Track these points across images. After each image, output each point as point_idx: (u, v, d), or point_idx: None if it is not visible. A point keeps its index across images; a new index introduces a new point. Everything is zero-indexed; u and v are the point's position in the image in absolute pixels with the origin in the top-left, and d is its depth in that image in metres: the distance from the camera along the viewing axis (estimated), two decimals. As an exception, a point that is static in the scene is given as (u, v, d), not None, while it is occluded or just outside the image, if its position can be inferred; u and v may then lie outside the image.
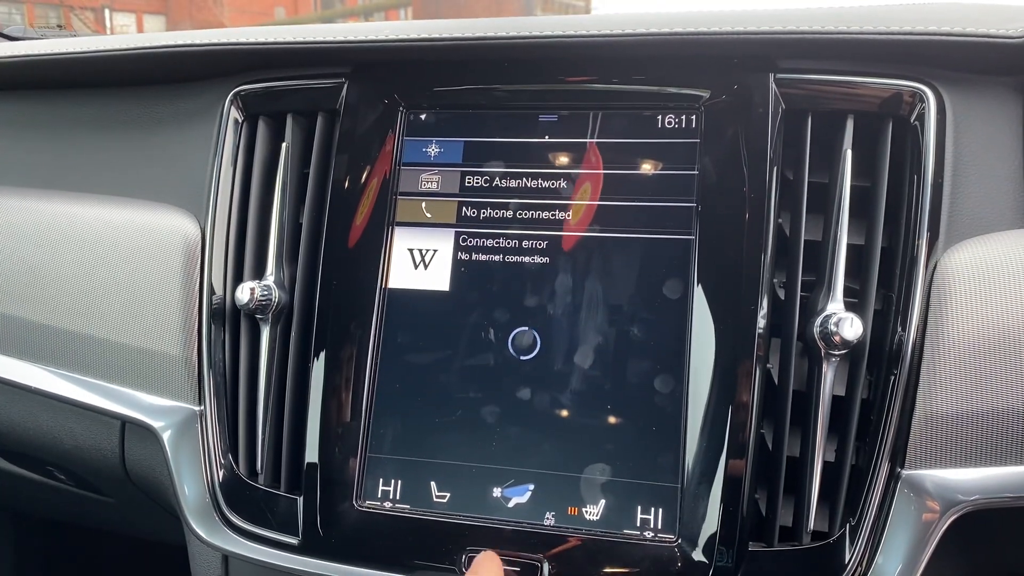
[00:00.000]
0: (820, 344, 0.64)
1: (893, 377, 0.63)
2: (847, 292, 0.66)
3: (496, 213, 0.71)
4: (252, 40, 0.78)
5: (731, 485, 0.63)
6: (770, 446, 0.67)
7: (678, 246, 0.67)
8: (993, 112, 0.69)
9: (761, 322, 0.65)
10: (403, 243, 0.72)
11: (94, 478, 0.95)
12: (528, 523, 0.66)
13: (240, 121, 0.81)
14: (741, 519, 0.63)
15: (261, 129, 0.80)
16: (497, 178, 0.72)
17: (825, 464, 0.65)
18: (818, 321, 0.64)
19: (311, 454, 0.70)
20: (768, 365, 0.67)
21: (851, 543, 0.63)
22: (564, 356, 0.68)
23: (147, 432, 0.77)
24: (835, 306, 0.65)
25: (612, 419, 0.66)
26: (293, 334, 0.75)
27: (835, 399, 0.65)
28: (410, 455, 0.69)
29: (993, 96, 0.69)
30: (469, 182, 0.72)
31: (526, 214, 0.71)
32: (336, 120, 0.76)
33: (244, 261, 0.78)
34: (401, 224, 0.73)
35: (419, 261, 0.72)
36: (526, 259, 0.70)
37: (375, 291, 0.71)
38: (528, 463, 0.67)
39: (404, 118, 0.75)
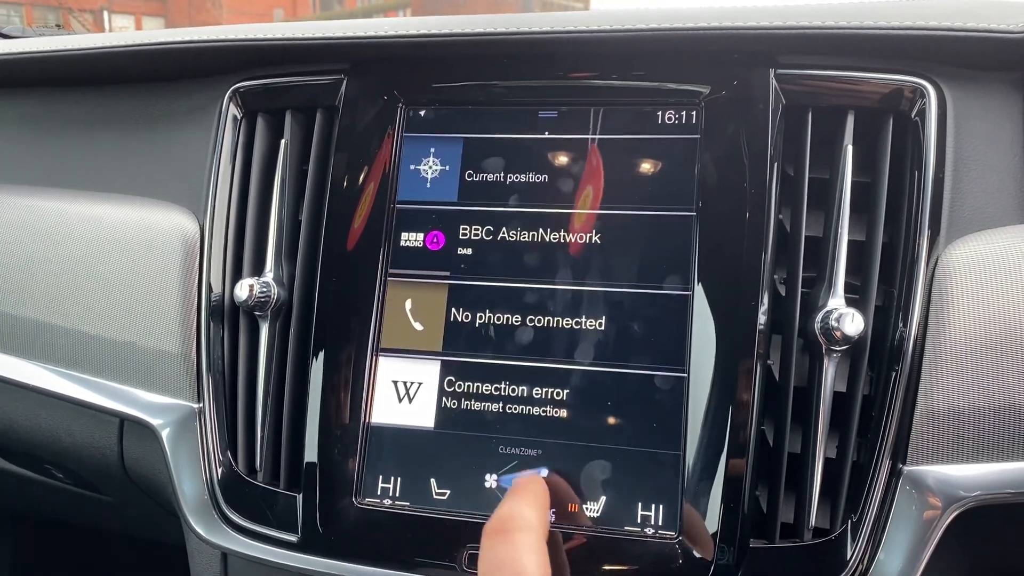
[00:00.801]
0: (821, 340, 0.64)
1: (894, 373, 0.63)
2: (848, 288, 0.65)
3: (496, 209, 0.71)
4: (251, 36, 0.78)
5: (732, 482, 0.63)
6: (771, 442, 0.66)
7: (678, 242, 0.67)
8: (994, 108, 0.68)
9: (762, 318, 0.65)
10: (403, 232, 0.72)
11: (93, 476, 0.95)
12: (528, 520, 0.66)
13: (239, 118, 0.80)
14: (742, 516, 0.63)
15: (260, 126, 0.80)
16: (496, 174, 0.72)
17: (826, 460, 0.65)
18: (819, 317, 0.64)
19: (310, 451, 0.70)
20: (769, 361, 0.67)
21: (852, 540, 0.63)
22: (564, 353, 0.68)
23: (146, 430, 0.77)
24: (836, 302, 0.64)
25: (612, 416, 0.66)
26: (292, 331, 0.75)
27: (836, 395, 0.65)
28: (410, 452, 0.69)
29: (994, 92, 0.69)
30: (468, 177, 0.72)
31: (526, 207, 0.71)
32: (335, 116, 0.76)
33: (243, 258, 0.78)
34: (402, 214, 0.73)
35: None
36: (525, 252, 0.70)
37: (375, 287, 0.71)
38: (528, 460, 0.67)
39: (403, 114, 0.74)
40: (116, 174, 0.90)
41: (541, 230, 0.70)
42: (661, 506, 0.64)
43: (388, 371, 0.70)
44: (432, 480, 0.68)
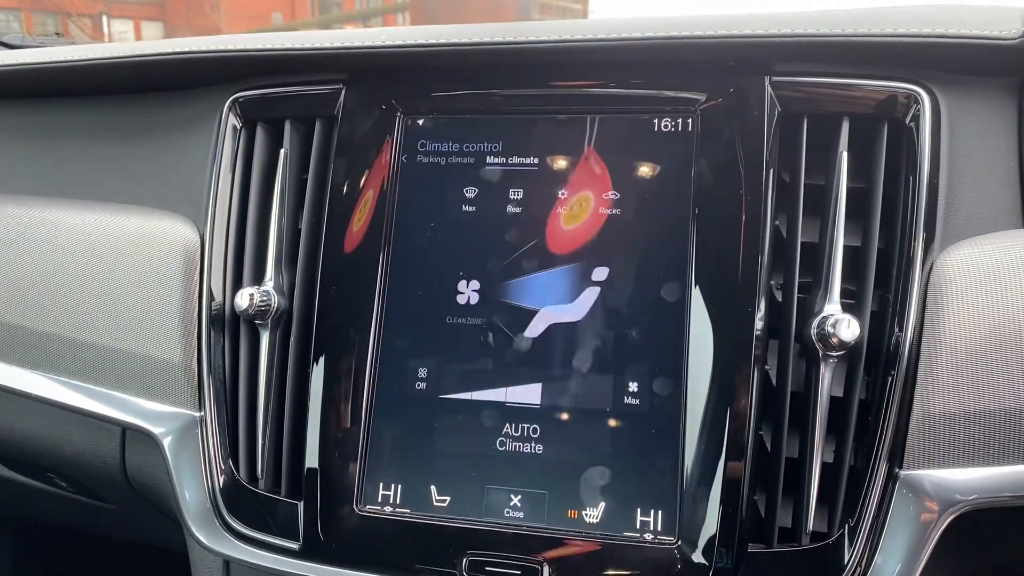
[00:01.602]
0: (818, 346, 0.64)
1: (890, 378, 0.64)
2: (844, 293, 0.66)
3: (495, 217, 0.72)
4: (250, 47, 0.79)
5: (730, 487, 0.63)
6: (769, 447, 0.67)
7: (676, 249, 0.68)
8: (988, 113, 0.69)
9: (759, 324, 0.65)
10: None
11: (95, 484, 0.95)
12: (528, 526, 0.66)
13: (238, 127, 0.81)
14: (740, 520, 0.63)
15: (259, 135, 0.80)
16: (494, 181, 0.72)
17: (824, 465, 0.65)
18: (815, 323, 0.65)
19: (311, 459, 0.70)
20: (766, 367, 0.67)
21: (850, 543, 0.63)
22: (563, 360, 0.68)
23: (147, 438, 0.77)
24: (832, 308, 0.65)
25: (611, 422, 0.67)
26: (292, 339, 0.75)
27: (833, 400, 0.65)
28: (410, 459, 0.69)
29: (988, 97, 0.69)
30: (466, 185, 0.73)
31: (523, 212, 0.71)
32: (334, 126, 0.77)
33: (243, 267, 0.78)
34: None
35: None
36: (524, 263, 0.70)
37: (374, 296, 0.71)
38: (528, 467, 0.67)
39: (402, 123, 0.75)
40: (117, 183, 0.90)
41: (537, 235, 0.71)
42: (660, 511, 0.65)
43: (389, 373, 0.71)
44: (432, 487, 0.68)
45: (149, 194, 0.87)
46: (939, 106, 0.67)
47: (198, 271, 0.78)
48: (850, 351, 0.65)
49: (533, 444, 0.68)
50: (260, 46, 0.78)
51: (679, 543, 0.64)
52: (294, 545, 0.71)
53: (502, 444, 0.68)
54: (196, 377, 0.76)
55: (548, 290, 0.70)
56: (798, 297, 0.67)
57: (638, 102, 0.71)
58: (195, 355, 0.77)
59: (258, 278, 0.78)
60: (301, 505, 0.71)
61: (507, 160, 0.73)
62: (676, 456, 0.65)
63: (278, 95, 0.80)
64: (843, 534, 0.64)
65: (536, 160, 0.72)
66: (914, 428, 0.63)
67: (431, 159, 0.74)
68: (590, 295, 0.69)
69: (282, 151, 0.78)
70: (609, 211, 0.70)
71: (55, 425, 0.87)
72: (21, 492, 1.08)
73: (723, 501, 0.63)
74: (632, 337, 0.68)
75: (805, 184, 0.68)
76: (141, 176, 0.89)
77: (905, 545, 0.62)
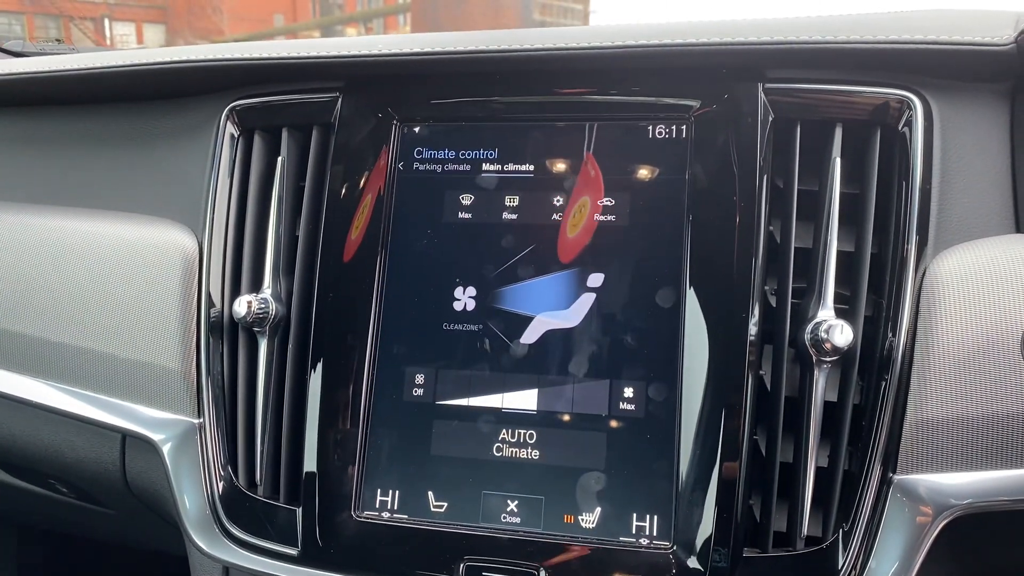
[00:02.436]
0: (811, 351, 0.65)
1: (884, 383, 0.64)
2: (837, 298, 0.66)
3: (491, 224, 0.72)
4: (247, 56, 0.79)
5: (725, 491, 0.64)
6: (763, 452, 0.67)
7: (670, 255, 0.68)
8: (980, 118, 0.69)
9: (753, 329, 0.65)
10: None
11: (95, 490, 0.96)
12: (524, 531, 0.67)
13: (236, 136, 0.82)
14: (735, 525, 0.64)
15: (257, 143, 0.81)
16: (490, 188, 0.73)
17: (818, 469, 0.65)
18: (809, 328, 0.65)
19: (309, 465, 0.71)
20: (760, 372, 0.67)
21: (844, 548, 0.64)
22: (559, 366, 0.69)
23: (147, 445, 0.78)
24: (826, 313, 0.65)
25: (607, 427, 0.67)
26: (291, 346, 0.76)
27: (827, 405, 0.66)
28: (407, 465, 0.69)
29: (980, 103, 0.69)
30: (463, 192, 0.73)
31: (520, 219, 0.72)
32: (331, 134, 0.77)
33: (241, 274, 0.79)
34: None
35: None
36: (520, 270, 0.71)
37: (371, 303, 0.72)
38: (525, 472, 0.68)
39: (398, 131, 0.75)
40: (115, 191, 0.91)
41: (535, 242, 0.71)
42: (656, 516, 0.65)
43: (387, 379, 0.71)
44: (429, 492, 0.69)
45: (148, 201, 0.88)
46: (931, 112, 0.68)
47: (196, 279, 0.79)
48: (844, 356, 0.65)
49: (529, 450, 0.68)
50: (257, 55, 0.79)
51: (675, 548, 0.64)
52: (293, 551, 0.71)
53: (499, 450, 0.68)
54: (195, 384, 0.77)
55: (544, 296, 0.70)
56: (792, 302, 0.67)
57: (633, 109, 0.72)
58: (194, 362, 0.77)
59: (256, 286, 0.78)
60: (299, 511, 0.71)
61: (503, 167, 0.73)
62: (671, 461, 0.65)
63: (275, 103, 0.81)
64: (837, 538, 0.64)
65: (531, 167, 0.73)
66: (907, 433, 0.63)
67: (427, 166, 0.74)
68: (585, 301, 0.69)
69: (279, 159, 0.79)
70: (604, 218, 0.70)
71: (56, 432, 0.87)
72: (23, 497, 1.09)
73: (718, 506, 0.64)
74: (627, 343, 0.68)
75: (799, 190, 0.68)
76: (139, 183, 0.90)
77: (899, 549, 0.62)
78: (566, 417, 0.68)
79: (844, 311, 0.67)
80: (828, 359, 0.65)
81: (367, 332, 0.72)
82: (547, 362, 0.69)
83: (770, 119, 0.69)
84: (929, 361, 0.63)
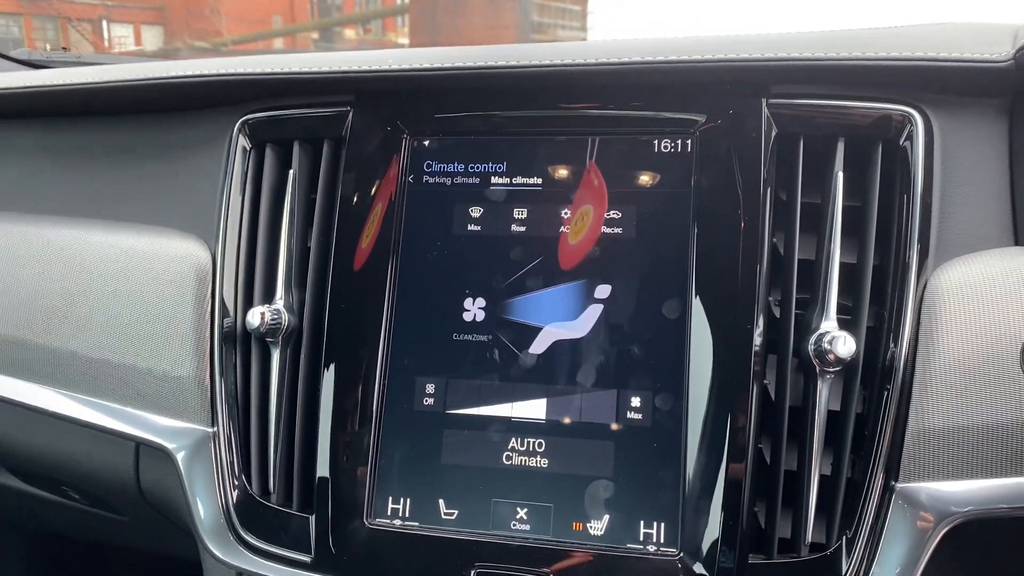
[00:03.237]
0: (815, 362, 0.66)
1: (886, 392, 0.65)
2: (840, 309, 0.68)
3: (500, 236, 0.73)
4: (259, 70, 0.80)
5: (731, 499, 0.65)
6: (768, 460, 0.68)
7: (676, 267, 0.69)
8: (979, 133, 0.71)
9: (758, 340, 0.67)
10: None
11: (109, 498, 0.97)
12: (534, 539, 0.68)
13: (248, 149, 0.83)
14: (741, 532, 0.65)
15: (268, 156, 0.82)
16: (498, 201, 0.74)
17: (822, 477, 0.67)
18: (812, 339, 0.66)
19: (322, 473, 0.72)
20: (765, 381, 0.69)
21: (848, 554, 0.65)
22: (567, 375, 0.70)
23: (162, 454, 0.79)
24: (829, 324, 0.67)
25: (614, 436, 0.68)
26: (303, 356, 0.77)
27: (830, 414, 0.67)
28: (418, 473, 0.71)
29: (980, 117, 0.71)
30: (471, 205, 0.74)
31: (526, 231, 0.73)
32: (342, 147, 0.78)
33: (254, 286, 0.80)
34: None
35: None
36: (529, 281, 0.72)
37: (382, 313, 0.73)
38: (534, 480, 0.69)
39: (408, 144, 0.77)
40: (129, 203, 0.92)
41: (543, 254, 0.72)
42: (663, 524, 0.66)
43: (398, 388, 0.72)
44: (440, 500, 0.70)
45: (161, 213, 0.89)
46: (932, 126, 0.69)
47: (210, 290, 0.80)
48: (847, 366, 0.66)
49: (538, 458, 0.69)
50: (269, 69, 0.80)
51: (681, 554, 0.65)
52: (306, 558, 0.72)
53: (508, 458, 0.70)
54: (209, 394, 0.78)
55: (552, 307, 0.71)
56: (796, 313, 0.69)
57: (638, 123, 0.73)
58: (208, 372, 0.78)
59: (269, 297, 0.79)
60: (312, 519, 0.73)
61: (511, 180, 0.74)
62: (678, 469, 0.67)
63: (286, 117, 0.82)
64: (841, 545, 0.66)
65: (540, 180, 0.74)
66: (910, 441, 0.64)
67: (437, 179, 0.76)
68: (593, 312, 0.71)
69: (291, 172, 0.80)
70: (611, 230, 0.71)
71: (72, 441, 0.88)
72: (34, 502, 1.10)
73: (724, 513, 0.65)
74: (634, 353, 0.69)
75: (802, 203, 0.70)
76: (153, 195, 0.91)
77: (902, 556, 0.63)
78: (574, 426, 0.69)
79: (847, 322, 0.68)
80: (831, 369, 0.66)
81: (378, 342, 0.73)
82: (555, 372, 0.70)
83: (774, 133, 0.70)
84: (930, 371, 0.64)
